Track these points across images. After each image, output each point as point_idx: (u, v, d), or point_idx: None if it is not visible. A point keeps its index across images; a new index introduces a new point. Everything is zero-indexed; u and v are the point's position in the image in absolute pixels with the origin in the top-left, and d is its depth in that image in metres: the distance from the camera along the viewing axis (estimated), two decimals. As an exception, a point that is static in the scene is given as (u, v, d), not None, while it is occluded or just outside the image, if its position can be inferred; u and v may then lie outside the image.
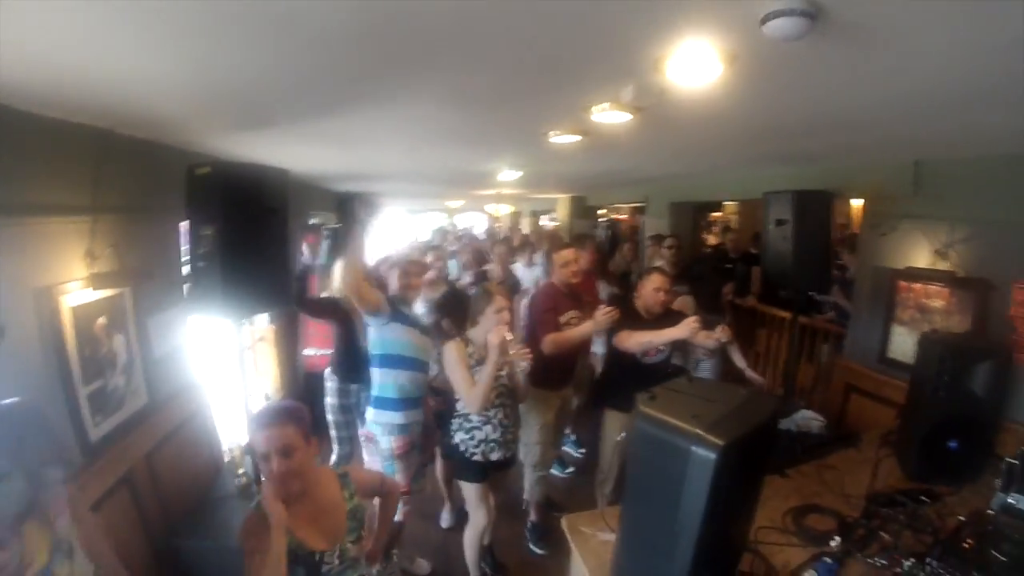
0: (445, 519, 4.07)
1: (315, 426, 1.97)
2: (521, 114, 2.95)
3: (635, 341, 3.22)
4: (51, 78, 1.90)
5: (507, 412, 3.11)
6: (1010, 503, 2.43)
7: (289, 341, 5.12)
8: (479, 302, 3.06)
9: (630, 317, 3.36)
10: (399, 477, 3.12)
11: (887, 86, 2.12)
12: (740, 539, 1.98)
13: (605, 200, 10.97)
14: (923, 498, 2.59)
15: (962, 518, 2.38)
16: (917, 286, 3.77)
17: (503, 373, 2.98)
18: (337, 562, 1.92)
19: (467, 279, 5.74)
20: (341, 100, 2.56)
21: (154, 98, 2.29)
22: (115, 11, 1.42)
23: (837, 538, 2.26)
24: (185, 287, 3.27)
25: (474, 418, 3.02)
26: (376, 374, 3.21)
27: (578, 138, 3.42)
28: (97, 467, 2.48)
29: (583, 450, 5.02)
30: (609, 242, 9.36)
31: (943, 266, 3.58)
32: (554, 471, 4.51)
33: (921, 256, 3.74)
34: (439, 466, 4.05)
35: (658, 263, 5.96)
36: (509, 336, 2.87)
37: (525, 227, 13.76)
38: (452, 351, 2.97)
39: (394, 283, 3.36)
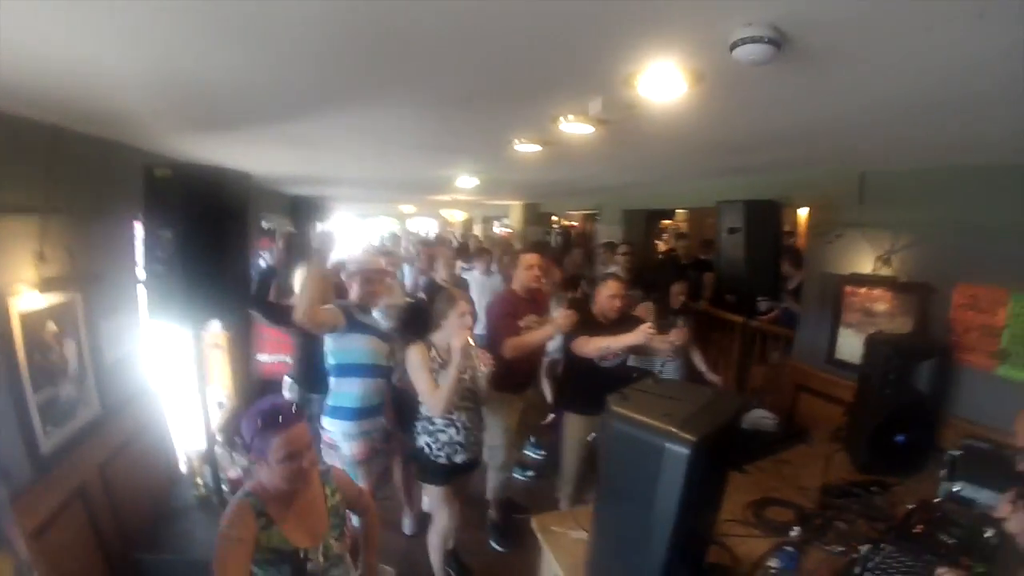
0: (407, 526, 4.03)
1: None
2: (488, 122, 2.97)
3: (593, 347, 3.28)
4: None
5: (470, 415, 3.12)
6: (955, 491, 2.60)
7: (242, 347, 4.99)
8: (442, 306, 3.07)
9: (587, 322, 3.42)
10: (361, 483, 3.09)
11: (841, 103, 2.25)
12: (707, 531, 2.05)
13: (559, 208, 11.10)
14: (874, 489, 2.75)
15: (911, 506, 2.53)
16: (862, 291, 3.96)
17: (466, 376, 2.99)
18: (322, 559, 1.91)
19: (420, 283, 5.72)
20: (306, 103, 2.52)
21: (111, 92, 2.19)
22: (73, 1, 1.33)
23: (796, 528, 2.36)
24: (139, 290, 3.17)
25: (438, 421, 3.02)
26: (334, 383, 3.17)
27: (540, 148, 3.47)
28: (49, 481, 2.36)
29: (543, 452, 5.06)
30: (560, 249, 9.48)
31: (886, 272, 3.77)
32: (515, 474, 4.53)
33: (865, 262, 3.92)
34: (398, 472, 4.02)
35: (612, 269, 6.08)
36: (471, 340, 2.89)
37: (478, 232, 13.80)
38: (415, 354, 2.96)
39: (355, 291, 3.31)
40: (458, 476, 3.18)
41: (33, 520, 2.16)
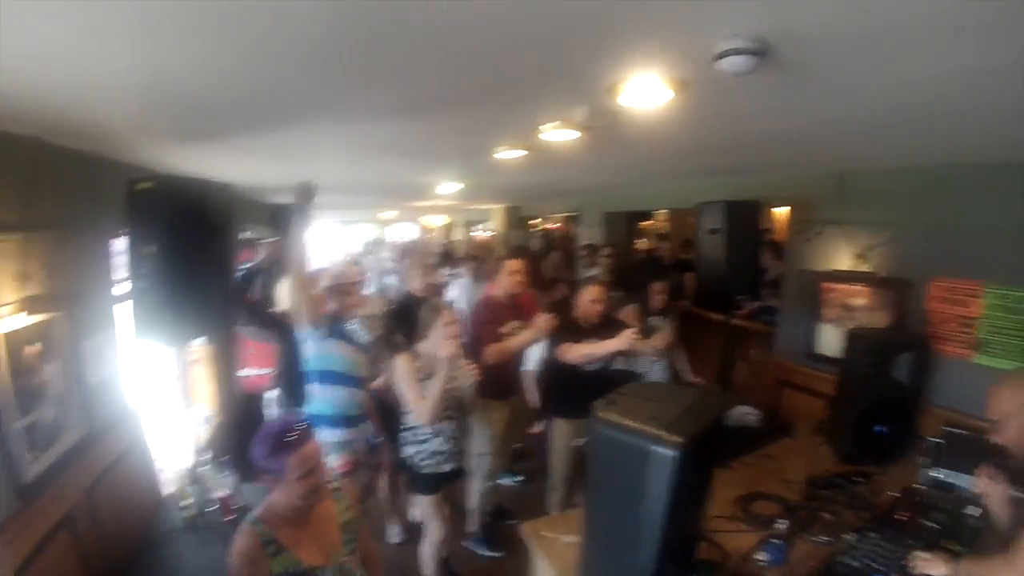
0: (394, 534, 4.03)
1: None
2: (471, 129, 2.99)
3: (577, 353, 3.31)
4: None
5: (456, 424, 3.15)
6: (937, 477, 2.67)
7: (225, 362, 4.94)
8: (428, 316, 3.09)
9: (569, 327, 3.45)
10: None
11: (822, 111, 2.32)
12: (696, 529, 2.09)
13: (540, 210, 11.11)
14: (857, 478, 2.82)
15: (895, 494, 2.59)
16: (841, 287, 4.04)
17: (452, 386, 3.01)
18: None
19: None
20: (286, 112, 2.50)
21: (91, 104, 2.15)
22: (52, 11, 1.29)
23: (783, 521, 2.42)
24: (121, 308, 3.13)
25: (424, 431, 3.03)
26: (314, 390, 3.16)
27: (523, 153, 3.50)
28: (35, 509, 2.26)
29: (520, 478, 4.95)
30: (541, 252, 9.49)
31: (864, 268, 3.86)
32: (503, 479, 4.55)
33: (844, 259, 4.02)
34: (384, 481, 4.02)
35: (595, 272, 6.11)
36: (459, 350, 2.91)
37: (459, 237, 13.75)
38: (401, 364, 2.98)
39: (331, 304, 3.29)
40: (446, 485, 3.20)
41: (19, 551, 2.08)
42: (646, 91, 1.98)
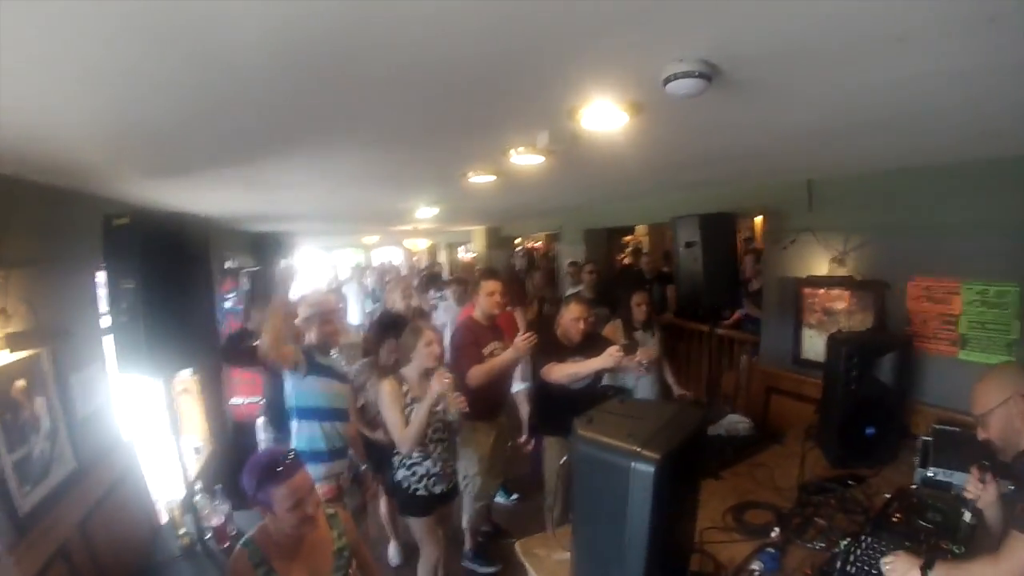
0: (393, 557, 4.00)
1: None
2: (441, 156, 3.04)
3: (562, 373, 3.30)
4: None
5: (445, 445, 3.14)
6: (930, 475, 2.68)
7: (214, 391, 4.91)
8: (408, 340, 3.09)
9: (553, 346, 3.45)
10: None
11: (775, 127, 2.40)
12: (687, 541, 2.08)
13: (521, 230, 11.18)
14: (849, 482, 2.82)
15: (888, 495, 2.59)
16: (820, 291, 4.09)
17: (439, 408, 3.01)
18: None
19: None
20: (259, 145, 2.54)
21: (64, 142, 2.17)
22: (24, 52, 1.30)
23: (776, 529, 2.40)
24: (105, 342, 3.10)
25: (413, 455, 3.02)
26: (295, 426, 3.14)
27: (494, 178, 3.55)
28: (28, 543, 2.25)
29: (514, 497, 4.92)
30: (523, 271, 9.54)
31: (842, 272, 3.91)
32: (499, 499, 4.52)
33: (821, 264, 4.06)
34: (383, 504, 4.00)
35: (578, 289, 6.14)
36: (447, 380, 2.90)
37: (442, 259, 13.76)
38: (386, 390, 2.98)
39: (314, 333, 3.25)
40: (439, 506, 3.18)
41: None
42: (604, 115, 2.05)
